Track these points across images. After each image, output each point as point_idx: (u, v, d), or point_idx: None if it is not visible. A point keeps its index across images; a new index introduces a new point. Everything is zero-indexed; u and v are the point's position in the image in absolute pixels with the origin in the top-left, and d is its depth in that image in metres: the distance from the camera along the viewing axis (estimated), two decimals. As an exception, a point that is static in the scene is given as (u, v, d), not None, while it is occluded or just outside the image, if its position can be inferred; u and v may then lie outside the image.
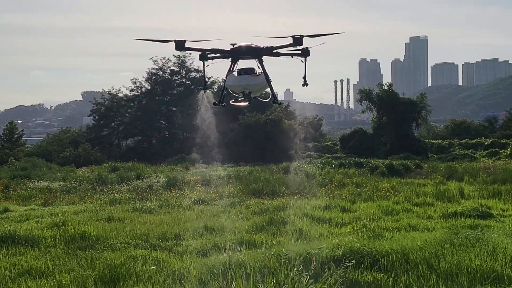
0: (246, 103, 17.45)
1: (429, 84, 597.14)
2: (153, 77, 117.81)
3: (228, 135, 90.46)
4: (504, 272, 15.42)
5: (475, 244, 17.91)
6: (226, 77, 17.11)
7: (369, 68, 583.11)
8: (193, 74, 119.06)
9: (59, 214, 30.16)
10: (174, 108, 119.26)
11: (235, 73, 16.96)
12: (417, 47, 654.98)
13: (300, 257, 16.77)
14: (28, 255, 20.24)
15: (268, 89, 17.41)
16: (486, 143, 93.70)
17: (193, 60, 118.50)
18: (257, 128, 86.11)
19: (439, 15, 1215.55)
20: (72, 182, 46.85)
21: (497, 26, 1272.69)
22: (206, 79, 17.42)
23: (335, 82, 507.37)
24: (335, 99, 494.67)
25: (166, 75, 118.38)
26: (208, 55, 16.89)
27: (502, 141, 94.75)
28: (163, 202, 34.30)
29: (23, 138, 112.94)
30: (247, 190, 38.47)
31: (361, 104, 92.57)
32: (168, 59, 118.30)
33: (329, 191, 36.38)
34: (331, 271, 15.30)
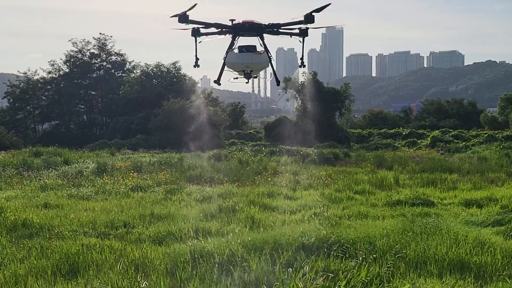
0: (244, 81, 16.99)
1: (344, 75, 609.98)
2: (72, 60, 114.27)
3: (150, 120, 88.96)
4: (471, 259, 15.68)
5: (436, 232, 18.16)
6: (226, 54, 16.54)
7: (286, 57, 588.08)
8: (113, 57, 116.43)
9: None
10: (93, 92, 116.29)
11: (236, 51, 16.43)
12: (333, 37, 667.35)
13: (268, 245, 16.49)
14: (-30, 243, 18.95)
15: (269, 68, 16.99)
16: (404, 133, 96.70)
17: (114, 43, 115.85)
18: (180, 114, 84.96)
19: (355, 7, 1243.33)
20: (-8, 167, 44.50)
21: (410, 19, 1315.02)
22: (198, 57, 16.74)
23: (270, 74, 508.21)
24: (252, 87, 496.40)
25: (85, 58, 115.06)
26: (202, 31, 16.27)
27: (419, 131, 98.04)
28: (99, 188, 33.14)
29: None
30: (184, 176, 37.80)
31: (285, 92, 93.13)
32: (88, 41, 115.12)
33: (269, 179, 36.25)
34: (302, 260, 15.07)
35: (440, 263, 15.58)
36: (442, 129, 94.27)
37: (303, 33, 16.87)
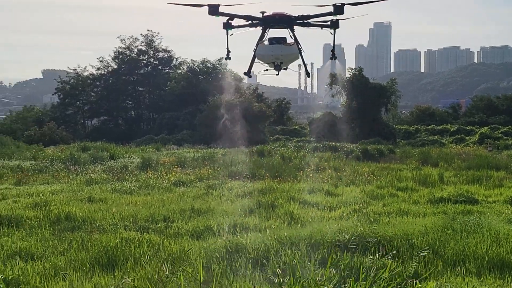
0: (274, 74, 16.98)
1: (392, 70, 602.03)
2: (120, 56, 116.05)
3: (196, 116, 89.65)
4: (511, 259, 15.33)
5: (477, 230, 17.81)
6: (256, 46, 16.58)
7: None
8: (160, 54, 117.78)
9: (36, 194, 29.27)
10: (141, 88, 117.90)
11: (266, 42, 16.44)
12: (380, 33, 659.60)
13: (304, 240, 16.45)
14: (14, 236, 19.44)
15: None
16: (452, 130, 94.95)
17: (161, 40, 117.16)
18: (226, 110, 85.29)
19: (402, 1, 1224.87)
20: (44, 161, 45.67)
21: (460, 15, 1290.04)
22: (230, 50, 16.83)
23: (299, 66, 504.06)
24: (299, 83, 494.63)
25: (133, 55, 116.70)
26: (233, 24, 16.33)
27: (467, 127, 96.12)
28: (142, 183, 33.61)
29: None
30: (226, 172, 37.99)
31: (331, 88, 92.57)
32: (135, 38, 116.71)
33: (311, 175, 36.12)
34: (338, 256, 14.98)
35: (479, 262, 15.27)
36: (491, 126, 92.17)
37: (334, 25, 16.69)
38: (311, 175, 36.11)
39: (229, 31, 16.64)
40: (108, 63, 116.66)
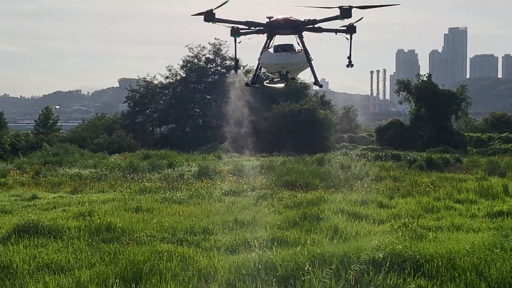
0: (283, 85, 16.10)
1: (468, 76, 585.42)
2: (188, 65, 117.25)
3: (261, 124, 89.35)
4: None
5: (529, 249, 16.40)
6: (260, 54, 15.77)
7: (406, 59, 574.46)
8: (228, 62, 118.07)
9: (87, 203, 29.39)
10: (208, 96, 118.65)
11: (271, 50, 15.62)
12: (456, 38, 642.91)
13: (336, 258, 15.53)
14: (50, 247, 19.31)
15: (309, 70, 16.03)
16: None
17: (229, 48, 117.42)
18: (291, 118, 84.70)
19: (480, 6, 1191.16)
20: (103, 169, 46.28)
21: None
22: (238, 58, 16.06)
23: (371, 72, 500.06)
24: (371, 90, 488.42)
25: (201, 63, 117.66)
26: (241, 31, 15.56)
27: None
28: (194, 192, 33.30)
29: (58, 124, 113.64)
30: (280, 181, 37.26)
31: (398, 95, 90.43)
32: (203, 46, 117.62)
33: (366, 185, 34.92)
34: (370, 276, 14.01)
35: (527, 285, 13.96)
36: None
37: (351, 30, 15.63)
38: (366, 185, 34.89)
39: (237, 38, 15.85)
40: (177, 71, 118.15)
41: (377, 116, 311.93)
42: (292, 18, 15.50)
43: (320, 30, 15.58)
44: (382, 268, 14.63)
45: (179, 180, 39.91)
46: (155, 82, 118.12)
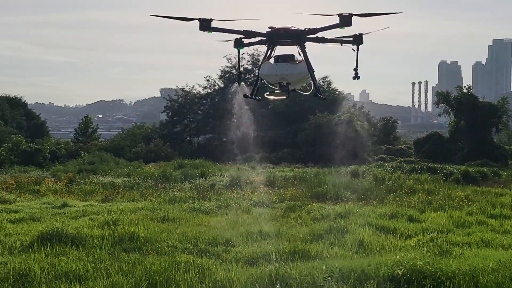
0: (284, 97, 15.71)
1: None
2: (226, 75, 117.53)
3: (298, 135, 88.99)
4: None
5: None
6: (260, 64, 15.44)
7: (448, 70, 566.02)
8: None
9: (114, 212, 29.50)
10: (246, 107, 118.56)
11: (272, 61, 15.27)
12: (500, 49, 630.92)
13: (354, 273, 15.14)
14: (71, 255, 19.35)
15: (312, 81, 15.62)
16: None
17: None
18: (328, 129, 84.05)
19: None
20: (136, 178, 46.52)
21: None
22: (242, 69, 15.75)
23: (413, 84, 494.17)
24: (413, 102, 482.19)
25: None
26: (244, 41, 15.27)
27: None
28: (222, 202, 33.16)
29: (98, 132, 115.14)
30: (311, 193, 36.86)
31: (437, 107, 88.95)
32: (242, 57, 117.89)
33: (397, 198, 34.25)
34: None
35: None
36: None
37: (357, 41, 15.14)
38: (397, 198, 34.22)
39: (240, 49, 15.53)
40: (215, 81, 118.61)
41: (418, 128, 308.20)
42: (292, 28, 15.12)
43: (324, 40, 15.14)
44: (401, 284, 14.20)
45: (210, 190, 39.84)
46: (194, 92, 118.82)
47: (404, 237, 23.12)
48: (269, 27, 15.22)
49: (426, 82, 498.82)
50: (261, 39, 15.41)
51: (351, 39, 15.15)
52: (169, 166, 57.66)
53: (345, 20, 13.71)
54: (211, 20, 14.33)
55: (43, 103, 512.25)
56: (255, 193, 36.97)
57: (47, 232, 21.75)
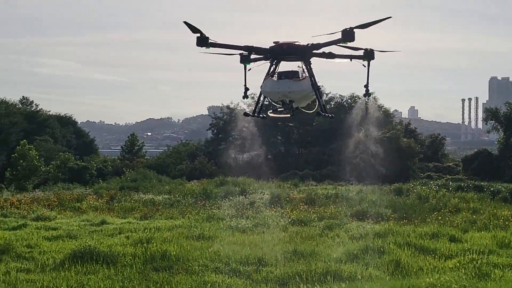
0: (288, 115, 15.15)
1: None
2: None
3: (342, 152, 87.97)
4: None
5: None
6: (263, 81, 14.94)
7: (500, 86, 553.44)
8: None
9: (150, 230, 29.37)
10: (290, 124, 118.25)
11: (275, 77, 14.77)
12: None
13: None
14: (101, 274, 19.24)
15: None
16: None
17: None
18: (372, 146, 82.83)
19: None
20: (177, 195, 46.52)
21: None
22: (248, 87, 15.25)
23: (463, 100, 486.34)
24: (463, 118, 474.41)
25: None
26: (251, 57, 14.83)
27: None
28: (260, 220, 32.72)
29: (144, 149, 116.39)
30: (351, 211, 36.10)
31: (486, 124, 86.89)
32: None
33: (440, 217, 33.22)
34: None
35: None
36: None
37: (368, 56, 14.47)
38: (440, 217, 33.19)
39: (246, 65, 15.08)
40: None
41: (468, 145, 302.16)
42: (296, 43, 14.59)
43: (332, 56, 14.55)
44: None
45: (249, 207, 39.46)
46: (239, 109, 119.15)
47: (443, 258, 22.29)
48: (274, 42, 14.78)
49: (477, 98, 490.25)
50: (266, 55, 14.95)
51: (362, 54, 14.55)
52: (211, 183, 57.60)
53: (348, 35, 13.10)
54: (206, 36, 13.82)
55: (94, 121, 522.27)
56: (294, 211, 36.42)
57: (79, 250, 21.71)
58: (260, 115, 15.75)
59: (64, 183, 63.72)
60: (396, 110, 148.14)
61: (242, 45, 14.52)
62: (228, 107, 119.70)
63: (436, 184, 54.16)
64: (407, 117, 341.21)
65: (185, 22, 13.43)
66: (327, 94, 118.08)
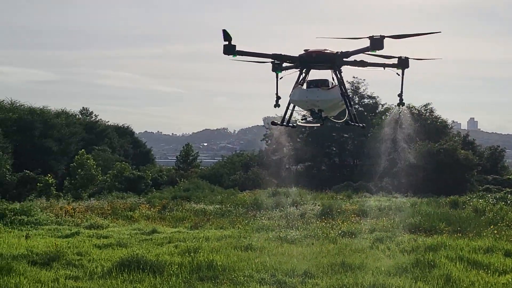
0: (318, 124, 14.85)
1: None
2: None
3: (397, 164, 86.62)
4: None
5: None
6: (292, 90, 14.66)
7: None
8: (366, 100, 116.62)
9: (200, 239, 29.48)
10: (345, 135, 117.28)
11: (304, 86, 14.48)
12: None
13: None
14: (146, 283, 19.37)
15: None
16: None
17: (367, 86, 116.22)
18: (429, 158, 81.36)
19: None
20: (228, 205, 46.61)
21: None
22: (280, 95, 14.98)
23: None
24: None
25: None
26: (283, 65, 14.62)
27: None
28: (310, 232, 32.44)
29: (199, 159, 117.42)
30: (403, 224, 35.35)
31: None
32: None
33: (496, 231, 32.17)
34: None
35: None
36: None
37: (403, 64, 13.98)
38: (496, 231, 32.14)
39: (278, 74, 14.81)
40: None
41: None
42: (325, 51, 14.24)
43: (364, 64, 14.16)
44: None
45: (300, 218, 39.17)
46: (293, 119, 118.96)
47: (497, 273, 21.56)
48: (304, 50, 14.55)
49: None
50: (296, 64, 14.72)
51: (396, 62, 14.13)
52: (263, 194, 57.47)
53: (376, 43, 12.70)
54: (233, 44, 13.73)
55: (152, 132, 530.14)
56: (345, 223, 35.94)
57: (127, 258, 21.93)
58: (290, 124, 15.51)
59: (119, 192, 64.70)
60: (454, 122, 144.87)
61: (270, 53, 14.39)
62: (281, 117, 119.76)
63: (494, 197, 52.50)
64: (466, 128, 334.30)
65: (223, 30, 13.43)
66: (382, 105, 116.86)
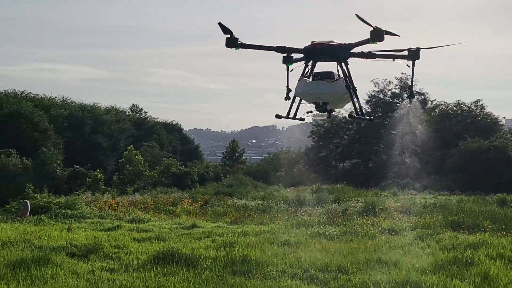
0: (324, 117, 14.57)
1: None
2: (373, 100, 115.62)
3: (446, 161, 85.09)
4: None
5: None
6: (298, 82, 14.42)
7: None
8: (415, 96, 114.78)
9: (238, 234, 29.53)
10: (393, 132, 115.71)
11: (309, 78, 14.24)
12: None
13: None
14: (179, 276, 19.50)
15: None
16: None
17: (416, 83, 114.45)
18: (478, 155, 79.62)
19: None
20: (270, 201, 46.60)
21: None
22: (290, 88, 14.71)
23: None
24: None
25: (387, 98, 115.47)
26: (294, 57, 14.45)
27: None
28: (350, 228, 32.13)
29: (245, 156, 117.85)
30: (446, 221, 34.69)
31: None
32: (389, 81, 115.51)
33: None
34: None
35: None
36: None
37: (413, 55, 13.55)
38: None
39: (289, 66, 14.58)
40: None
41: None
42: (330, 43, 13.97)
43: (372, 56, 13.83)
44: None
45: (341, 215, 38.88)
46: (340, 116, 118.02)
47: (538, 272, 20.89)
48: (311, 42, 14.34)
49: None
50: (303, 56, 14.53)
51: (407, 54, 13.77)
52: (306, 190, 57.31)
53: (377, 35, 12.41)
54: (236, 37, 13.66)
55: (201, 129, 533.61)
56: (387, 220, 35.48)
57: (162, 251, 22.14)
58: (297, 117, 15.37)
59: (163, 187, 65.51)
60: (503, 118, 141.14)
61: (275, 46, 14.30)
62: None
63: (545, 196, 51.01)
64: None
65: (219, 23, 13.41)
66: (431, 101, 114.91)
